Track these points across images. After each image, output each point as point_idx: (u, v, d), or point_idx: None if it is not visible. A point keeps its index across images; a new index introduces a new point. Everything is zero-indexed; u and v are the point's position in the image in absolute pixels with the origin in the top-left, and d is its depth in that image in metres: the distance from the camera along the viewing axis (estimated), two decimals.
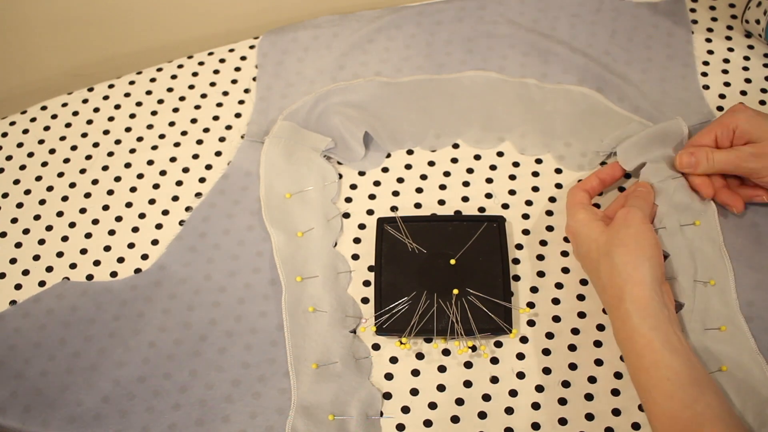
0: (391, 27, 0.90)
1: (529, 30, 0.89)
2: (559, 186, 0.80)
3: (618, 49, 0.87)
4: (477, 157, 0.82)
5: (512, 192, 0.80)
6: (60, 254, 0.78)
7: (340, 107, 0.84)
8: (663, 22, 0.89)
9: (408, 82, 0.86)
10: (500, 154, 0.82)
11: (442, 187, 0.81)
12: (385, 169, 0.82)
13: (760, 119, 0.73)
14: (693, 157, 0.74)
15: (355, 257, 0.77)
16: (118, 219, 0.80)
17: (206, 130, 0.85)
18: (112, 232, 0.79)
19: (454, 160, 0.82)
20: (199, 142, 0.85)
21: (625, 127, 0.81)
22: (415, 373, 0.71)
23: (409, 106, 0.85)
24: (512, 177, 0.81)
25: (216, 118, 0.86)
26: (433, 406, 0.70)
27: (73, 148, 0.85)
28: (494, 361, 0.71)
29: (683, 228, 0.74)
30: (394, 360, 0.72)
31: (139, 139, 0.85)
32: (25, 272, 0.77)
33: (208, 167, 0.83)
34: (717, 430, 0.59)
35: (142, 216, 0.80)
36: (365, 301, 0.75)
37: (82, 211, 0.81)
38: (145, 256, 0.78)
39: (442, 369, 0.71)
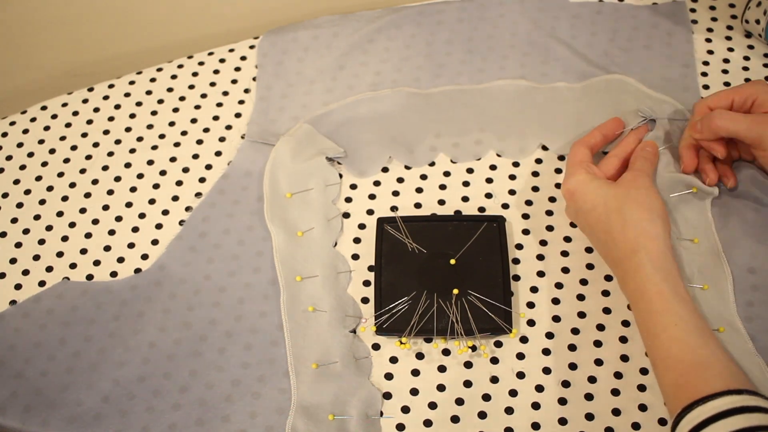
0: (391, 27, 0.90)
1: (529, 30, 0.89)
2: (558, 186, 0.80)
3: (618, 50, 0.87)
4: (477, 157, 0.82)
5: (512, 192, 0.80)
6: (60, 254, 0.78)
7: (368, 123, 0.83)
8: (663, 23, 0.89)
9: (436, 93, 0.85)
10: (500, 154, 0.82)
11: (442, 187, 0.81)
12: (385, 169, 0.82)
13: None
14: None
15: (355, 257, 0.77)
16: (118, 219, 0.80)
17: (206, 130, 0.85)
18: (112, 232, 0.79)
19: (454, 160, 0.82)
20: (199, 142, 0.85)
21: (660, 105, 0.81)
22: (415, 372, 0.71)
23: (437, 117, 0.84)
24: (512, 177, 0.81)
25: (216, 118, 0.86)
26: (433, 405, 0.70)
27: (73, 148, 0.85)
28: (494, 361, 0.71)
29: (680, 241, 0.74)
30: (394, 360, 0.72)
31: (139, 139, 0.85)
32: (25, 272, 0.77)
33: (208, 167, 0.83)
34: (720, 373, 0.61)
35: (142, 216, 0.80)
36: (365, 300, 0.75)
37: (82, 211, 0.81)
38: (145, 256, 0.78)
39: (442, 369, 0.71)
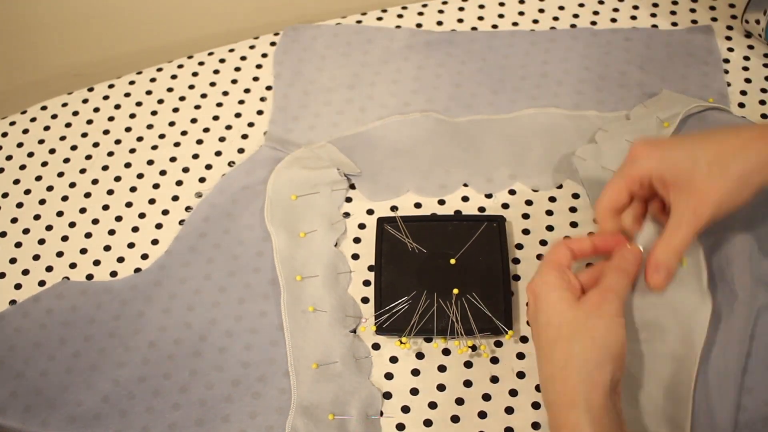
0: (416, 48, 0.88)
1: (561, 58, 0.87)
2: (559, 186, 0.80)
3: (653, 79, 0.85)
4: None
5: (512, 192, 0.80)
6: (60, 254, 0.78)
7: (392, 149, 0.82)
8: (697, 51, 0.87)
9: (464, 122, 0.83)
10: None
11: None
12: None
13: (672, 156, 0.63)
14: (662, 270, 0.64)
15: (355, 257, 0.77)
16: (118, 219, 0.80)
17: (206, 130, 0.85)
18: (112, 232, 0.79)
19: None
20: (199, 142, 0.85)
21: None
22: (415, 372, 0.71)
23: (464, 147, 0.82)
24: (512, 176, 0.81)
25: (216, 118, 0.86)
26: (433, 405, 0.70)
27: (73, 148, 0.85)
28: (494, 360, 0.71)
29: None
30: (394, 360, 0.72)
31: (139, 139, 0.85)
32: (25, 272, 0.77)
33: (208, 167, 0.83)
34: None
35: (142, 216, 0.80)
36: (365, 300, 0.75)
37: (82, 210, 0.81)
38: (145, 256, 0.78)
39: (442, 369, 0.71)
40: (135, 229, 0.79)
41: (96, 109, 0.87)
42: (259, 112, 0.86)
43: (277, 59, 0.89)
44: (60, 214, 0.81)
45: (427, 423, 0.69)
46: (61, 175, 0.83)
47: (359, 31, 0.91)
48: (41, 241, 0.79)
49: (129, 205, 0.81)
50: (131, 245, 0.78)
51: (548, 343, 0.60)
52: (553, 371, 0.59)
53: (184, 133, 0.85)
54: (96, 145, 0.85)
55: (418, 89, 0.86)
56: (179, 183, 0.82)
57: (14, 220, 0.80)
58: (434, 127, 0.83)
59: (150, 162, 0.83)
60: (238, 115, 0.86)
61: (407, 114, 0.84)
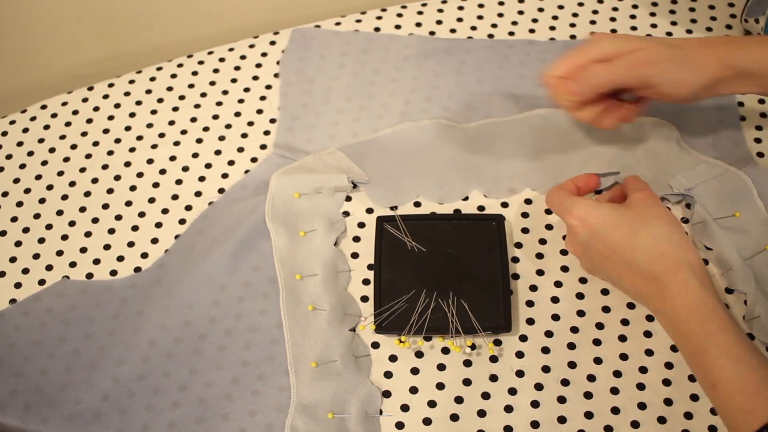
0: (426, 55, 0.88)
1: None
2: None
3: None
4: None
5: (512, 191, 0.80)
6: (60, 253, 0.78)
7: (401, 156, 0.81)
8: None
9: (475, 127, 0.83)
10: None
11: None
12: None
13: (624, 38, 0.72)
14: (575, 84, 0.71)
15: (355, 256, 0.77)
16: (118, 218, 0.80)
17: (206, 129, 0.86)
18: (111, 231, 0.79)
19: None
20: (199, 141, 0.85)
21: (694, 168, 0.79)
22: (415, 371, 0.71)
23: (475, 150, 0.82)
24: (512, 176, 0.81)
25: (216, 116, 0.86)
26: (432, 404, 0.70)
27: (73, 146, 0.85)
28: (493, 359, 0.72)
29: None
30: (393, 358, 0.72)
31: (139, 137, 0.85)
32: (25, 271, 0.77)
33: (208, 166, 0.83)
34: None
35: (141, 215, 0.80)
36: (365, 299, 0.75)
37: (82, 209, 0.81)
38: (144, 255, 0.78)
39: (441, 367, 0.71)
40: (135, 228, 0.79)
41: (96, 108, 0.88)
42: (259, 111, 0.86)
43: (288, 65, 0.89)
44: (60, 213, 0.81)
45: (427, 421, 0.69)
46: (61, 174, 0.83)
47: (373, 38, 0.90)
48: (41, 240, 0.79)
49: (129, 204, 0.81)
50: (131, 244, 0.79)
51: (627, 239, 0.67)
52: (648, 250, 0.66)
53: (183, 132, 0.85)
54: (96, 144, 0.85)
55: (433, 97, 0.85)
56: (179, 182, 0.82)
57: (14, 219, 0.80)
58: (443, 133, 0.83)
59: (150, 161, 0.84)
60: (237, 114, 0.86)
61: (417, 121, 0.84)
